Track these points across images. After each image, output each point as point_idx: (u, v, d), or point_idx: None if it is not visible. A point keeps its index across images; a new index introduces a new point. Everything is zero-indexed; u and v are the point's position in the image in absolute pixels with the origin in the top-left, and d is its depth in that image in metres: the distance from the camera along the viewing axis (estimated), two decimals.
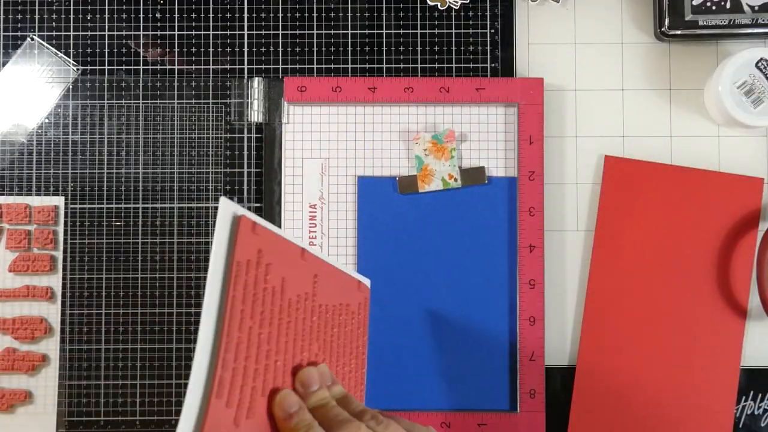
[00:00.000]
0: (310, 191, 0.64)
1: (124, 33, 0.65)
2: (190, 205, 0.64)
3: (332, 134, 0.64)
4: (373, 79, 0.63)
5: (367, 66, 0.65)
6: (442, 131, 0.63)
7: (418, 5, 0.65)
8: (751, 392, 0.62)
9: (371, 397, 0.61)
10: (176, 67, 0.65)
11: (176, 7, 0.65)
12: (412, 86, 0.63)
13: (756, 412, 0.62)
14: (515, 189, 0.63)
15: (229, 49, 0.65)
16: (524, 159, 0.62)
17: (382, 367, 0.61)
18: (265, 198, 0.64)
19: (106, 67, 0.65)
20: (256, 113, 0.64)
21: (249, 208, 0.64)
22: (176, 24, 0.65)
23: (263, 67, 0.64)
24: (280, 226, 0.63)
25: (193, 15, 0.65)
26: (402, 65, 0.65)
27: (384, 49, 0.65)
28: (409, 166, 0.64)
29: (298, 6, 0.65)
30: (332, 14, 0.65)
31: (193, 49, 0.65)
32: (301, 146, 0.64)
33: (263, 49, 0.65)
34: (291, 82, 0.63)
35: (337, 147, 0.64)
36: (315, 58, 0.65)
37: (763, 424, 0.62)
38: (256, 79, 0.64)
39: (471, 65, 0.64)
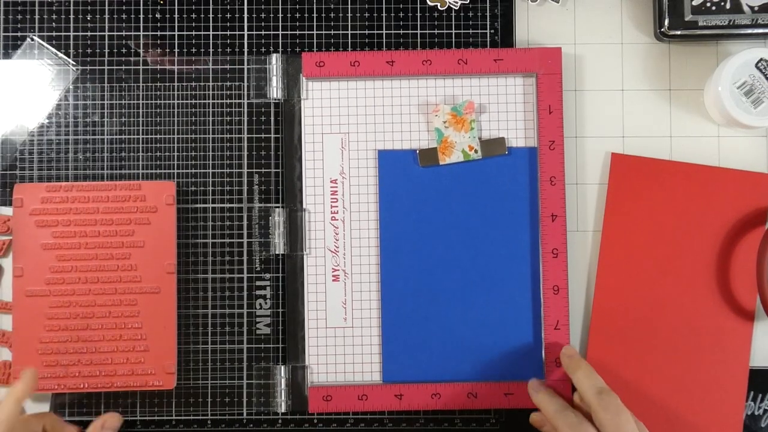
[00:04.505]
0: (330, 166, 0.64)
1: (124, 33, 0.65)
2: (186, 206, 0.64)
3: (351, 109, 0.64)
4: (391, 52, 0.64)
5: None
6: (461, 103, 0.63)
7: (418, 5, 0.65)
8: (751, 392, 0.62)
9: (398, 370, 0.62)
10: (176, 67, 0.65)
11: (176, 7, 0.65)
12: (430, 59, 0.63)
13: (756, 413, 0.63)
14: (536, 159, 0.63)
15: (229, 50, 0.65)
16: (544, 129, 0.63)
17: (408, 340, 0.62)
18: (286, 175, 0.64)
19: (106, 67, 0.65)
20: (274, 89, 0.64)
21: (258, 210, 0.64)
22: (176, 24, 0.65)
23: (263, 66, 0.64)
24: (302, 203, 0.63)
25: (193, 15, 0.65)
26: None
27: (384, 49, 0.65)
28: (429, 138, 0.64)
29: (298, 6, 0.65)
30: (332, 14, 0.65)
31: (193, 49, 0.65)
32: (320, 122, 0.64)
33: (263, 49, 0.65)
34: (309, 58, 0.63)
35: (357, 122, 0.64)
36: None
37: (763, 425, 0.63)
38: (274, 55, 0.64)
39: None
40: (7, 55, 0.65)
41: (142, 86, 0.65)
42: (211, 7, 0.65)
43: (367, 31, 0.65)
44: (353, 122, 0.64)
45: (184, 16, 0.65)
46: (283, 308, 0.63)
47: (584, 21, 0.65)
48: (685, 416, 0.62)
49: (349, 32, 0.65)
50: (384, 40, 0.65)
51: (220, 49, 0.65)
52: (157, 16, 0.65)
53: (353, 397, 0.62)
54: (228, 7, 0.65)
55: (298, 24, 0.65)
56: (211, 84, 0.65)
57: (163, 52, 0.65)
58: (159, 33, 0.65)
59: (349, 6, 0.65)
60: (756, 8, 0.61)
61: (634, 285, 0.63)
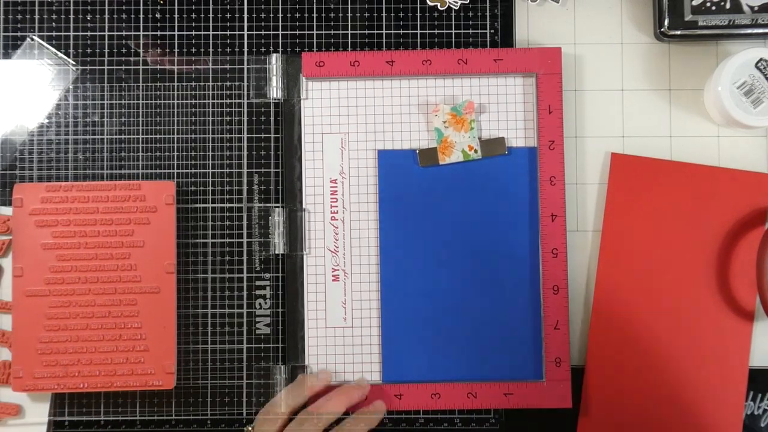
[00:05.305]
0: (330, 166, 0.64)
1: (124, 33, 0.65)
2: (186, 206, 0.64)
3: (351, 109, 0.64)
4: (390, 52, 0.64)
5: None
6: (461, 103, 0.63)
7: (418, 5, 0.65)
8: (751, 392, 0.62)
9: (398, 370, 0.62)
10: (176, 67, 0.65)
11: (176, 7, 0.65)
12: (430, 59, 0.63)
13: (756, 413, 0.62)
14: (535, 159, 0.63)
15: (229, 50, 0.65)
16: (544, 128, 0.63)
17: (408, 340, 0.62)
18: (286, 175, 0.64)
19: (106, 67, 0.65)
20: (274, 89, 0.64)
21: (258, 209, 0.64)
22: (176, 24, 0.65)
23: (263, 66, 0.64)
24: (301, 203, 0.63)
25: (193, 15, 0.65)
26: None
27: (384, 49, 0.65)
28: (429, 138, 0.64)
29: (298, 6, 0.65)
30: (332, 14, 0.65)
31: (193, 49, 0.65)
32: (320, 122, 0.64)
33: (263, 49, 0.65)
34: (309, 58, 0.63)
35: (357, 121, 0.64)
36: None
37: (763, 424, 0.63)
38: (274, 55, 0.64)
39: None
40: (7, 55, 0.65)
41: (142, 86, 0.65)
42: (211, 7, 0.65)
43: (367, 31, 0.65)
44: (353, 122, 0.64)
45: (184, 16, 0.65)
46: (282, 308, 0.64)
47: (584, 21, 0.65)
48: (685, 416, 0.62)
49: (349, 32, 0.65)
50: (384, 40, 0.65)
51: (220, 49, 0.65)
52: (157, 16, 0.65)
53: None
54: (228, 7, 0.65)
55: (298, 24, 0.65)
56: (211, 84, 0.65)
57: (163, 52, 0.65)
58: (159, 33, 0.65)
59: (349, 6, 0.65)
60: (756, 8, 0.61)
61: (634, 285, 0.63)
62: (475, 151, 0.63)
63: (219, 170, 0.64)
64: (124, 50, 0.65)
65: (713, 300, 0.62)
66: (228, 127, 0.64)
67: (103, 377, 0.61)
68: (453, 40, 0.65)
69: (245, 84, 0.64)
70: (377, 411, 0.61)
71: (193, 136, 0.64)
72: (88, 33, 0.65)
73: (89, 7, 0.65)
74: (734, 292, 0.62)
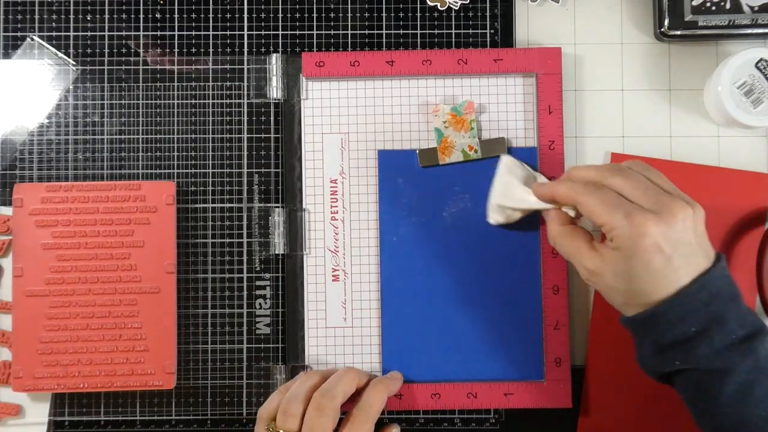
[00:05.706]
0: (330, 166, 0.64)
1: (124, 33, 0.65)
2: (186, 206, 0.64)
3: (351, 109, 0.64)
4: (391, 52, 0.64)
5: None
6: (461, 103, 0.63)
7: (418, 5, 0.65)
8: None
9: (398, 370, 0.63)
10: (176, 67, 0.65)
11: (176, 7, 0.65)
12: (430, 59, 0.63)
13: None
14: (535, 159, 0.63)
15: (229, 50, 0.65)
16: (544, 129, 0.63)
17: (408, 340, 0.62)
18: (286, 175, 0.64)
19: (106, 67, 0.65)
20: (274, 89, 0.64)
21: (258, 209, 0.64)
22: (176, 24, 0.65)
23: (263, 66, 0.64)
24: (301, 203, 0.63)
25: (193, 15, 0.65)
26: None
27: (384, 49, 0.65)
28: (429, 138, 0.64)
29: (298, 6, 0.65)
30: (332, 14, 0.65)
31: (193, 49, 0.65)
32: (320, 122, 0.64)
33: (263, 49, 0.65)
34: (309, 58, 0.63)
35: (357, 122, 0.64)
36: None
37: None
38: (274, 55, 0.64)
39: None
40: (7, 55, 0.65)
41: (142, 86, 0.65)
42: (211, 7, 0.65)
43: (367, 31, 0.65)
44: (353, 122, 0.64)
45: (184, 16, 0.65)
46: (283, 308, 0.64)
47: (584, 21, 0.65)
48: (685, 415, 0.62)
49: (349, 32, 0.65)
50: (384, 40, 0.65)
51: (220, 49, 0.65)
52: (157, 16, 0.65)
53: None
54: (228, 7, 0.65)
55: (298, 24, 0.65)
56: (211, 84, 0.65)
57: (163, 52, 0.65)
58: (159, 33, 0.65)
59: (349, 6, 0.65)
60: (756, 8, 0.61)
61: None
62: (475, 151, 0.63)
63: (219, 170, 0.64)
64: (124, 50, 0.65)
65: None
66: (228, 127, 0.64)
67: (103, 377, 0.61)
68: (453, 40, 0.65)
69: (245, 84, 0.64)
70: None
71: (193, 136, 0.64)
72: (88, 33, 0.65)
73: (89, 7, 0.65)
74: None
